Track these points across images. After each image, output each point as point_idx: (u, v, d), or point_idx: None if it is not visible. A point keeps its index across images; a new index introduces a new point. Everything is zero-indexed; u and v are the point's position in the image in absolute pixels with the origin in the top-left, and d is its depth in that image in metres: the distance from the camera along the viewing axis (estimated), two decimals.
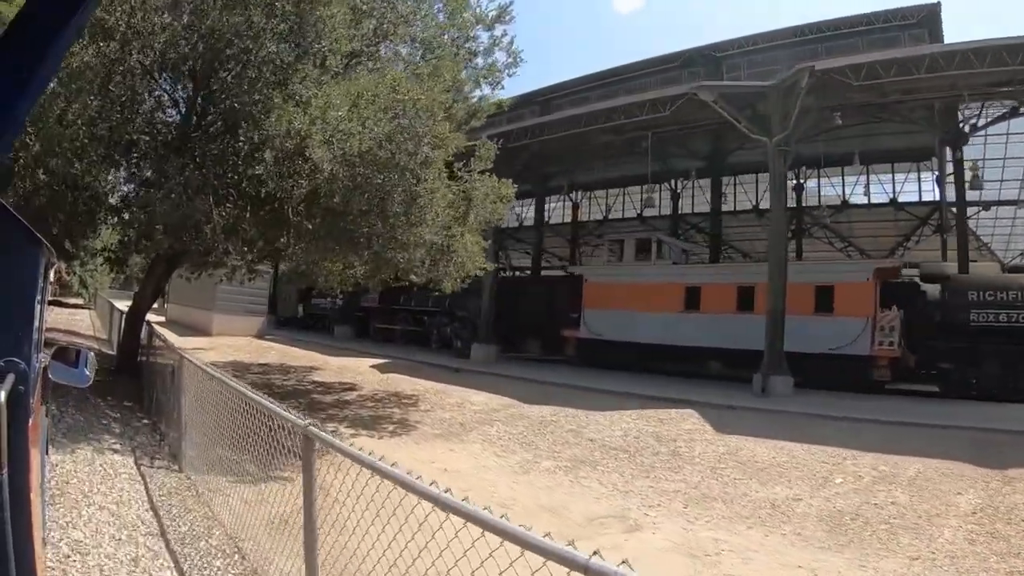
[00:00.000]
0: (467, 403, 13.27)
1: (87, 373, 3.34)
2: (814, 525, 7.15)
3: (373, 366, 17.37)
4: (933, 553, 6.45)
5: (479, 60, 11.59)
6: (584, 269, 22.32)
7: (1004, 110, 19.27)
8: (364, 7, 10.03)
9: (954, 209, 25.55)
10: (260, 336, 24.35)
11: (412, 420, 11.90)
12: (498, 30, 12.48)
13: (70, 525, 4.91)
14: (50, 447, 5.85)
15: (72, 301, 38.03)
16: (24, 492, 1.66)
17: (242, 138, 8.68)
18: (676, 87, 17.85)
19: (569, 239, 30.62)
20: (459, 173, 11.60)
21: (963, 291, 17.16)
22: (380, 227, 9.69)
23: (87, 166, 8.09)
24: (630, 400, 14.04)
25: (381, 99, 8.99)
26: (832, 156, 25.99)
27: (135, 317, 12.93)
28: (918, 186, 25.81)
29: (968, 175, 24.84)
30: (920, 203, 25.72)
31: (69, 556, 4.31)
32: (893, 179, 26.05)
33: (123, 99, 8.62)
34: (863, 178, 26.08)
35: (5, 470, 1.48)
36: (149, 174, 9.41)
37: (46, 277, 2.65)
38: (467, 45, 11.58)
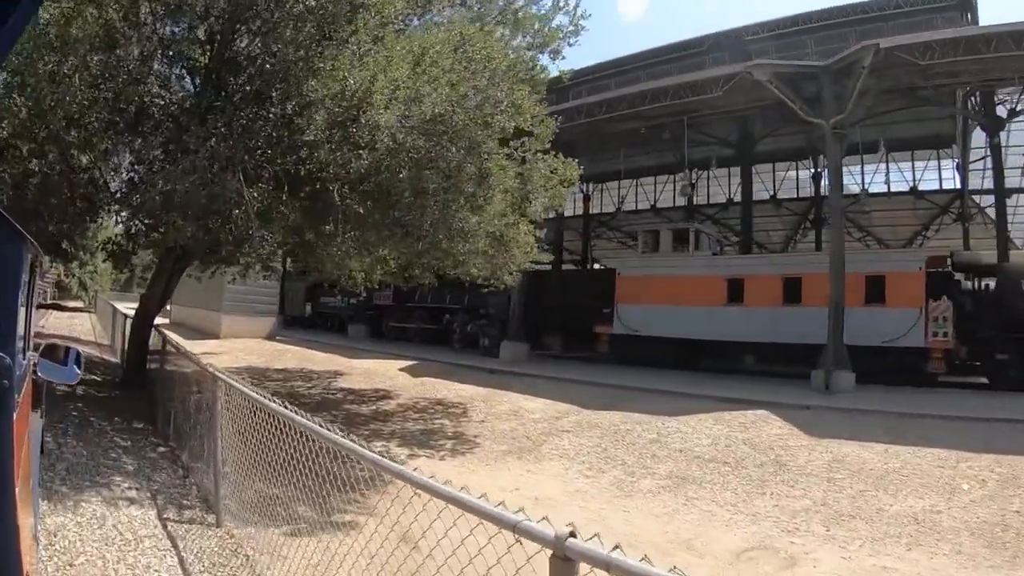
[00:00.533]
0: (522, 411, 11.33)
1: (76, 370, 3.27)
2: (970, 541, 6.27)
3: (402, 369, 15.32)
4: None
5: (537, 25, 9.57)
6: (617, 262, 20.42)
7: None
8: None
9: (975, 197, 24.22)
10: (271, 338, 22.16)
11: (469, 434, 9.95)
12: None
13: None
14: (46, 503, 4.96)
15: (71, 304, 35.39)
16: (6, 485, 1.61)
17: (276, 105, 6.61)
18: (728, 66, 16.03)
19: (580, 232, 28.66)
20: (515, 153, 9.61)
21: (1018, 280, 15.64)
22: (439, 212, 7.69)
23: (86, 136, 6.00)
24: (694, 401, 12.27)
25: (446, 58, 6.97)
26: (851, 144, 24.40)
27: (142, 321, 10.79)
28: (938, 174, 24.23)
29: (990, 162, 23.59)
30: (941, 191, 24.15)
31: None
32: (913, 167, 24.47)
33: (132, 58, 6.53)
34: (881, 166, 24.44)
35: None
36: (160, 151, 7.29)
37: (32, 273, 2.58)
38: (523, 5, 9.54)
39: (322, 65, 6.32)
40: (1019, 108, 18.86)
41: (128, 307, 26.54)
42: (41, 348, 3.18)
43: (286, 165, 6.74)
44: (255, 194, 6.57)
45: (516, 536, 1.75)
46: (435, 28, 7.93)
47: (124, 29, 6.26)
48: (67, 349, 3.37)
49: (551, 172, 10.14)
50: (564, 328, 19.67)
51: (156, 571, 4.27)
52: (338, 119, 6.15)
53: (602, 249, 30.71)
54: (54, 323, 22.49)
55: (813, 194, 24.75)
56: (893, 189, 24.43)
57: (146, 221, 7.62)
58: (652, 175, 27.32)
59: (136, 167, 7.35)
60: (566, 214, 29.18)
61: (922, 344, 15.43)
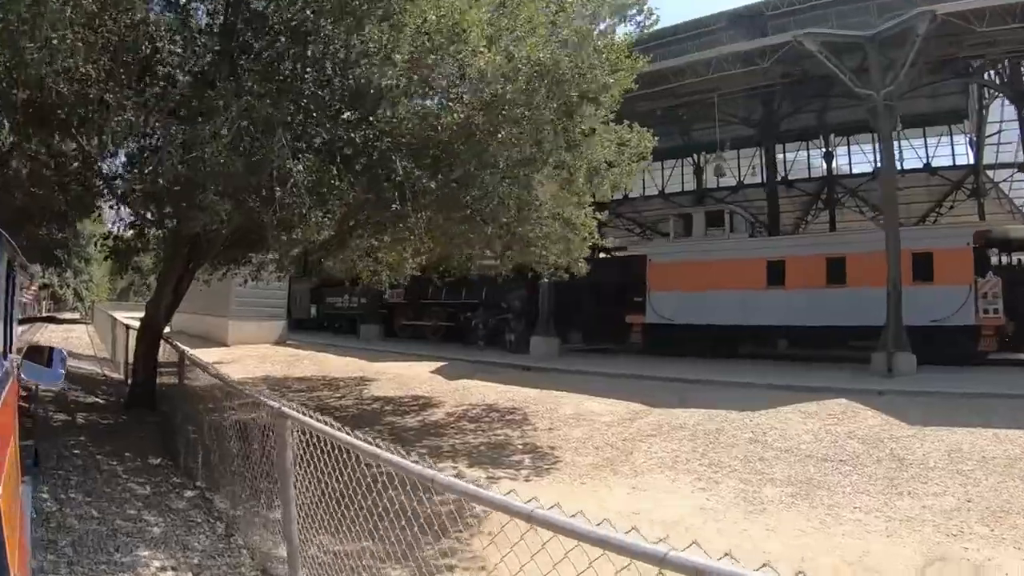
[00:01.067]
0: (588, 414, 9.67)
1: (60, 371, 3.16)
2: None
3: (432, 372, 13.54)
4: None
5: None
6: (648, 248, 18.77)
7: None
8: None
9: (989, 172, 23.03)
10: (281, 343, 20.17)
11: (543, 445, 8.28)
12: None
13: None
14: None
15: (67, 316, 32.87)
16: None
17: (330, 45, 4.80)
18: (778, 36, 14.42)
19: None
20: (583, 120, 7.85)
21: None
22: (521, 187, 5.97)
23: (79, 87, 4.17)
24: (762, 392, 10.82)
25: None
26: (863, 122, 23.00)
27: (150, 334, 8.90)
28: (951, 150, 22.96)
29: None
30: (954, 167, 22.89)
31: None
32: (925, 143, 23.17)
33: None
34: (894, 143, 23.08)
35: None
36: (176, 109, 5.40)
37: (11, 278, 2.57)
38: None
39: None
40: None
41: (126, 317, 24.32)
42: (24, 350, 3.07)
43: (341, 130, 4.95)
44: (300, 167, 4.78)
45: None
46: None
47: None
48: (51, 350, 3.19)
49: (620, 144, 8.43)
50: (593, 320, 17.96)
51: None
52: (421, 61, 4.38)
53: (610, 239, 29.02)
54: (49, 337, 20.27)
55: (825, 174, 23.37)
56: (905, 167, 23.12)
57: (156, 205, 5.79)
58: (660, 159, 25.67)
59: (147, 132, 5.46)
60: None
61: (973, 322, 14.13)
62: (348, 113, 4.75)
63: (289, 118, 4.77)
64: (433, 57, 4.41)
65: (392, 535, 3.06)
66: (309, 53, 4.57)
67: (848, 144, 23.70)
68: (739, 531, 5.74)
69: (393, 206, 5.33)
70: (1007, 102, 20.29)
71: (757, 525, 5.88)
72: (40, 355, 3.04)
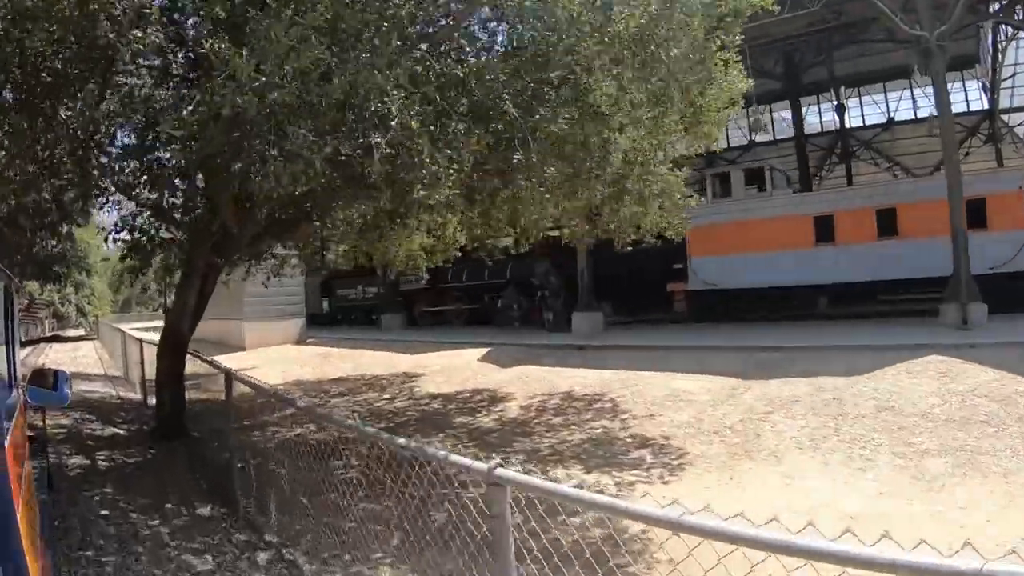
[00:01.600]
0: (682, 394, 8.16)
1: (66, 392, 3.03)
2: None
3: (481, 360, 11.90)
4: None
5: None
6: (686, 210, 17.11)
7: None
8: None
9: (1004, 117, 21.65)
10: (301, 341, 18.33)
11: (654, 436, 6.80)
12: None
13: None
14: None
15: (72, 333, 30.59)
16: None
17: None
18: None
19: None
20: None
21: None
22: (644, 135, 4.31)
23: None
24: (853, 353, 9.39)
25: None
26: (875, 72, 21.44)
27: (173, 345, 7.14)
28: (964, 96, 21.50)
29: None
30: (968, 113, 21.44)
31: None
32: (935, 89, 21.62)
33: None
34: (906, 93, 21.61)
35: None
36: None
37: (9, 304, 2.42)
38: None
39: None
40: None
41: (133, 329, 22.28)
42: (28, 375, 2.97)
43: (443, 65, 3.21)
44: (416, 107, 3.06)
45: None
46: None
47: None
48: (56, 372, 3.08)
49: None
50: (628, 290, 16.35)
51: None
52: None
53: None
54: (55, 358, 18.26)
55: (838, 127, 21.83)
56: (919, 116, 21.63)
57: (182, 176, 4.06)
58: None
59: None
60: None
61: None
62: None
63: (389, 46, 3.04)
64: None
65: None
66: None
67: (859, 96, 22.13)
68: (939, 516, 4.77)
69: (515, 158, 3.63)
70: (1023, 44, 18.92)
71: (950, 507, 4.96)
72: (44, 379, 2.95)
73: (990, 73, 20.38)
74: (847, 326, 12.89)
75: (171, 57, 3.84)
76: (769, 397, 7.76)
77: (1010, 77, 19.96)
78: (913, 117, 21.67)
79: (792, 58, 18.02)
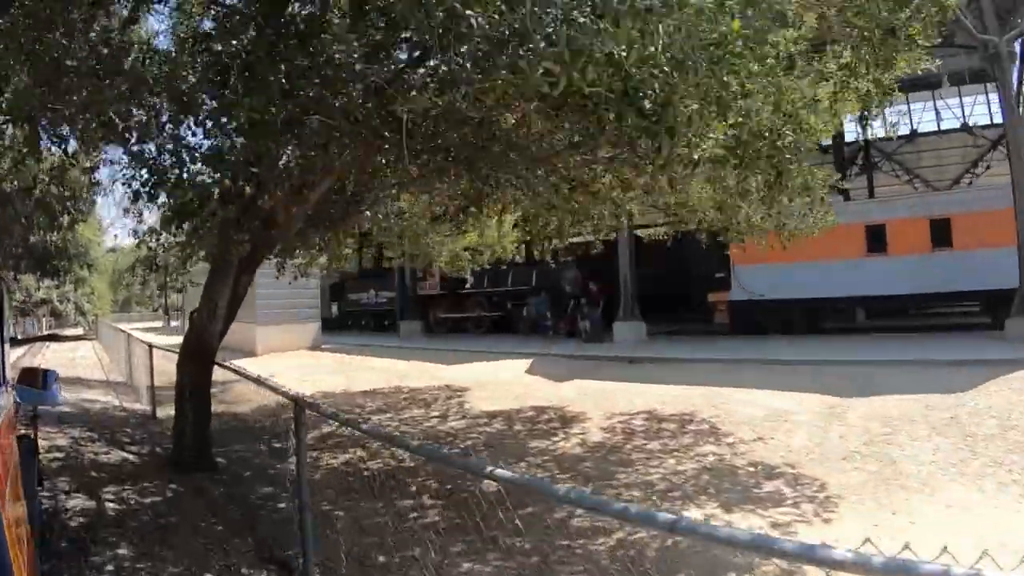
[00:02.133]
0: (781, 413, 6.93)
1: (57, 392, 2.97)
2: None
3: (528, 373, 10.48)
4: None
5: None
6: None
7: None
8: None
9: None
10: (316, 348, 16.76)
11: (777, 463, 5.61)
12: None
13: None
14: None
15: (70, 332, 28.59)
16: None
17: None
18: None
19: None
20: None
21: None
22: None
23: None
24: (938, 370, 8.34)
25: None
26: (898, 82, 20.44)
27: (199, 354, 5.65)
28: (988, 108, 20.61)
29: None
30: (992, 126, 20.54)
31: None
32: (961, 102, 20.78)
33: None
34: (928, 105, 20.67)
35: None
36: None
37: None
38: None
39: None
40: None
41: (134, 329, 20.52)
42: (17, 374, 2.93)
43: None
44: None
45: None
46: None
47: None
48: (45, 372, 2.95)
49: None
50: (668, 300, 15.03)
51: None
52: None
53: None
54: (52, 358, 16.49)
55: (861, 137, 20.80)
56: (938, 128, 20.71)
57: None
58: None
59: None
60: None
61: None
62: None
63: None
64: None
65: None
66: None
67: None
68: None
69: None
70: None
71: None
72: (34, 378, 2.86)
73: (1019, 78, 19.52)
74: (898, 339, 11.90)
75: None
76: (878, 417, 6.63)
77: None
78: (936, 129, 20.73)
79: None
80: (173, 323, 35.03)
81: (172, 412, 8.02)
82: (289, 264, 8.35)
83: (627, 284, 12.80)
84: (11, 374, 3.00)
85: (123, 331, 14.02)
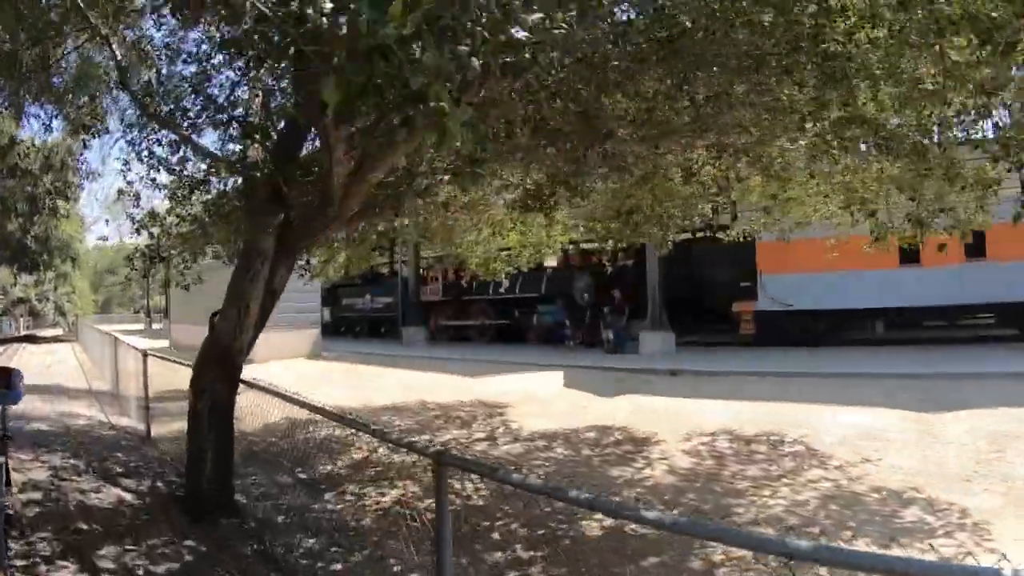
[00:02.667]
0: (869, 430, 6.11)
1: (21, 391, 2.93)
2: None
3: (568, 387, 9.34)
4: None
5: None
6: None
7: None
8: None
9: None
10: (316, 356, 15.30)
11: (903, 490, 4.90)
12: None
13: None
14: None
15: (47, 333, 26.32)
16: None
17: None
18: None
19: None
20: None
21: None
22: None
23: None
24: (997, 381, 7.81)
25: None
26: None
27: (220, 369, 4.37)
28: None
29: None
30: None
31: None
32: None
33: None
34: None
35: None
36: None
37: None
38: None
39: None
40: None
41: (115, 331, 18.63)
42: None
43: None
44: None
45: None
46: None
47: None
48: (10, 371, 2.94)
49: None
50: (690, 310, 14.06)
51: None
52: None
53: None
54: (28, 362, 14.71)
55: None
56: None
57: None
58: None
59: None
60: None
61: None
62: None
63: None
64: None
65: None
66: None
67: None
68: None
69: None
70: None
71: None
72: None
73: None
74: (934, 350, 11.35)
75: None
76: (983, 432, 5.87)
77: None
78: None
79: None
80: (155, 326, 32.90)
81: (168, 431, 6.65)
82: (311, 264, 7.14)
83: (655, 292, 11.81)
84: None
85: (108, 334, 12.42)
